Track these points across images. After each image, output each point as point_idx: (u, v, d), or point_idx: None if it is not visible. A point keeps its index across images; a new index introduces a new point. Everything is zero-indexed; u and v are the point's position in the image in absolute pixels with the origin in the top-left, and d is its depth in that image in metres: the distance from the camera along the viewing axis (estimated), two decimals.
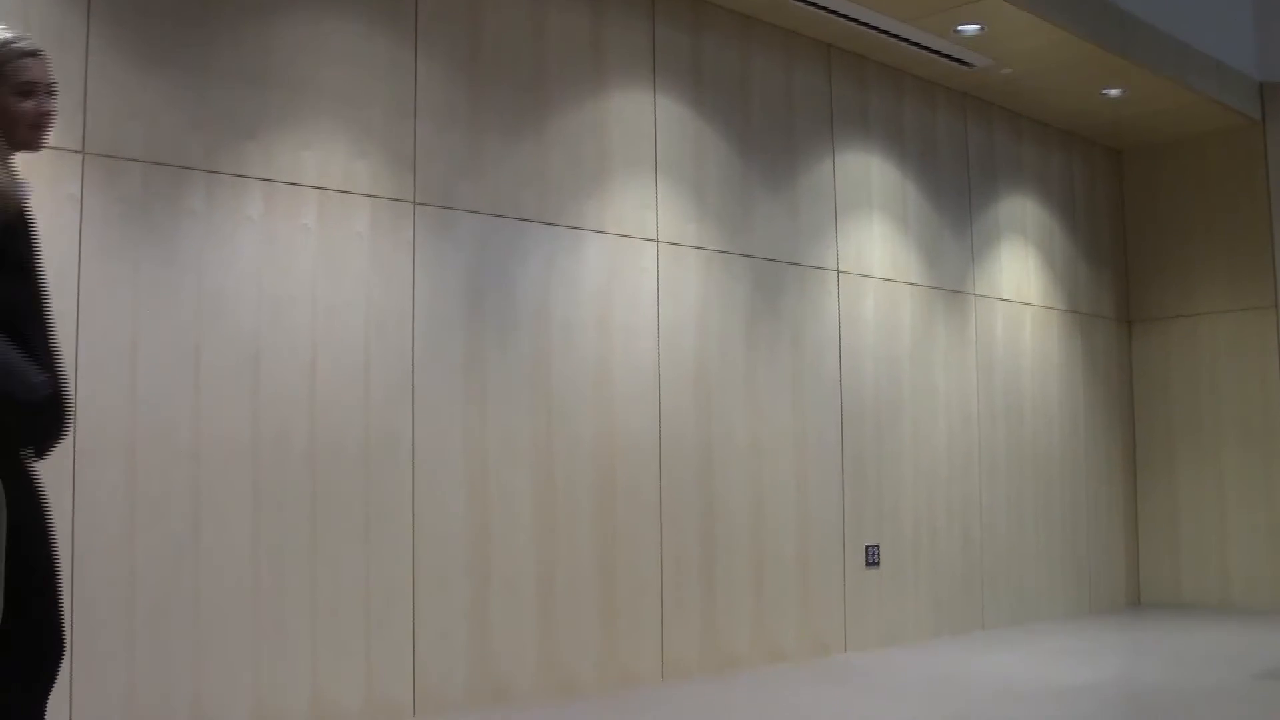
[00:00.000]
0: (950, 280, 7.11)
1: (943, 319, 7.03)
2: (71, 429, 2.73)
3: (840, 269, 6.40)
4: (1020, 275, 7.66)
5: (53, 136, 3.82)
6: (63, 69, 3.89)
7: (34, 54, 2.40)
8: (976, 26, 6.26)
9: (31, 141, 2.44)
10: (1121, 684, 5.31)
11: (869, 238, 6.61)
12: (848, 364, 6.39)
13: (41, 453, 2.34)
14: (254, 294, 4.27)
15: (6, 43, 2.37)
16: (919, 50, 6.53)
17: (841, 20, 6.08)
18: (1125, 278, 8.55)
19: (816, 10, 5.95)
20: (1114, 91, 7.35)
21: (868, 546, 6.39)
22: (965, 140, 7.34)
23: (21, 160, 2.45)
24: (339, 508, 4.40)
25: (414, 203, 4.72)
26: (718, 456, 5.70)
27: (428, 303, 4.72)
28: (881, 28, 6.21)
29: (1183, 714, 4.61)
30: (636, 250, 5.48)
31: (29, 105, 2.38)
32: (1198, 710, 4.67)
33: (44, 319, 2.29)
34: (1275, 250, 7.83)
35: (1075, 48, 6.62)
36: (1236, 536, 7.89)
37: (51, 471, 3.74)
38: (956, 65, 6.79)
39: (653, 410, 5.45)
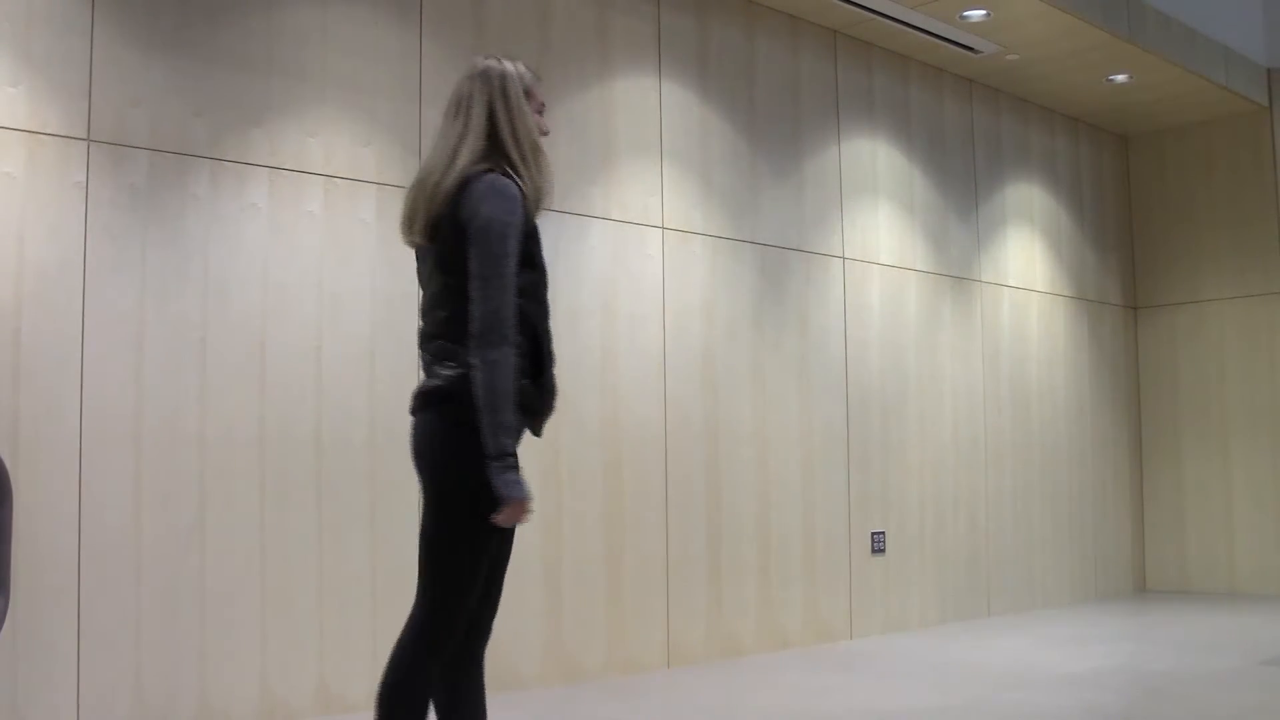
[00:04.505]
0: (956, 267, 7.09)
1: (949, 306, 7.02)
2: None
3: (846, 255, 6.39)
4: (1026, 262, 7.64)
5: (57, 124, 3.87)
6: (68, 56, 3.90)
7: (539, 78, 2.81)
8: (983, 12, 6.24)
9: None
10: (1128, 670, 5.31)
11: (875, 224, 6.59)
12: (853, 351, 6.38)
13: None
14: (259, 281, 4.27)
15: (527, 69, 2.78)
16: (925, 36, 6.50)
17: (847, 6, 6.06)
18: (1132, 264, 8.53)
19: None
20: (1120, 77, 7.32)
21: (873, 533, 6.39)
22: (971, 126, 7.31)
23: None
24: (345, 495, 4.40)
25: None
26: (723, 443, 5.69)
27: None
28: (887, 13, 6.19)
29: (1190, 700, 4.61)
30: (642, 237, 5.47)
31: (540, 121, 2.86)
32: (1205, 696, 4.67)
33: (546, 306, 2.80)
34: None
35: (1081, 33, 6.59)
36: (1243, 522, 7.88)
37: (57, 459, 3.77)
38: (963, 51, 6.76)
39: (658, 397, 5.45)
